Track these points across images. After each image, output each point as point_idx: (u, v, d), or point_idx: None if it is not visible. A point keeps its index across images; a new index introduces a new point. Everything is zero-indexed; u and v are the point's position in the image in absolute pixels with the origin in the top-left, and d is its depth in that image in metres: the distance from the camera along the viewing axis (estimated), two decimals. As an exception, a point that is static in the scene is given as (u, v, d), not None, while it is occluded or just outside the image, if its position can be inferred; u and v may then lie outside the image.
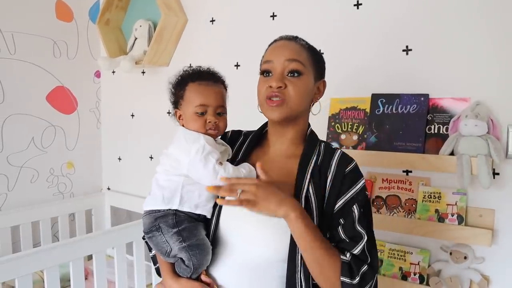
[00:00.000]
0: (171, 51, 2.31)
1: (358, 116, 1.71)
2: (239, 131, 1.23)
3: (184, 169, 1.05)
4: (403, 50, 1.62)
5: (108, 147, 2.76)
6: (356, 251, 0.99)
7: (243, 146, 1.17)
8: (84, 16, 2.61)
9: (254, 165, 1.08)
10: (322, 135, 1.74)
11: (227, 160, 1.11)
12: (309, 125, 1.15)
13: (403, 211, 1.60)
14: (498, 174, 1.45)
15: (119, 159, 2.68)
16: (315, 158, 1.08)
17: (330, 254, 0.97)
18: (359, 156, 1.64)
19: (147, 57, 2.21)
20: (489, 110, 1.44)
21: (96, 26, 2.43)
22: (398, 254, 1.62)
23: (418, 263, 1.58)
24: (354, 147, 1.68)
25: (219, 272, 1.07)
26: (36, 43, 2.39)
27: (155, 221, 1.05)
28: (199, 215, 1.07)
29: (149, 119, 2.50)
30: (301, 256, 0.99)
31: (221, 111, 1.11)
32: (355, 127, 1.71)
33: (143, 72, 2.48)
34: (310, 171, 1.05)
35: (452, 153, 1.46)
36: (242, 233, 1.05)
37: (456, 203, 1.50)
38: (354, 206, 1.02)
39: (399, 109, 1.61)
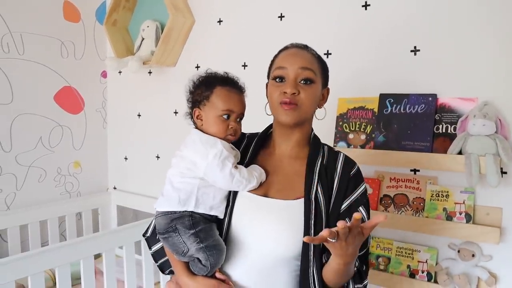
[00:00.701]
0: (178, 51, 2.32)
1: (366, 116, 1.73)
2: (243, 134, 1.25)
3: (201, 172, 1.08)
4: (411, 51, 1.64)
5: (114, 146, 2.77)
6: (362, 252, 1.09)
7: (248, 148, 1.21)
8: (91, 17, 2.63)
9: (262, 167, 1.14)
10: (330, 134, 1.77)
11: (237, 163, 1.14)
12: (312, 129, 1.20)
13: (411, 210, 1.62)
14: (505, 173, 1.47)
15: (126, 158, 2.70)
16: (320, 159, 1.13)
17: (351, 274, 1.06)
18: (367, 155, 1.67)
19: (154, 57, 2.23)
20: (497, 110, 1.46)
21: (103, 26, 2.45)
22: (406, 252, 1.64)
23: (426, 261, 1.60)
24: (362, 146, 1.70)
25: (233, 269, 1.10)
26: (44, 44, 2.40)
27: (171, 222, 1.08)
28: (211, 215, 1.10)
29: (155, 119, 2.51)
30: (314, 252, 1.04)
31: (240, 119, 1.15)
32: (363, 126, 1.73)
33: (150, 72, 2.50)
34: (317, 172, 1.11)
35: (460, 153, 1.48)
36: (254, 231, 1.09)
37: (464, 202, 1.52)
38: (360, 208, 1.09)
39: (407, 109, 1.63)
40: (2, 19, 2.21)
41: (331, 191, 1.10)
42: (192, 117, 1.18)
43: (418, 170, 1.64)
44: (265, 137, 1.24)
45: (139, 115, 2.60)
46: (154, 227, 1.25)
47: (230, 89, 1.13)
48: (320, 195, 1.09)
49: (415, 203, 1.62)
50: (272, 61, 1.18)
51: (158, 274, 2.12)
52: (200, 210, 1.08)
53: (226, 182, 1.07)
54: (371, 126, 1.70)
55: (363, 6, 1.74)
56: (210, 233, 1.07)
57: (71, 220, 2.53)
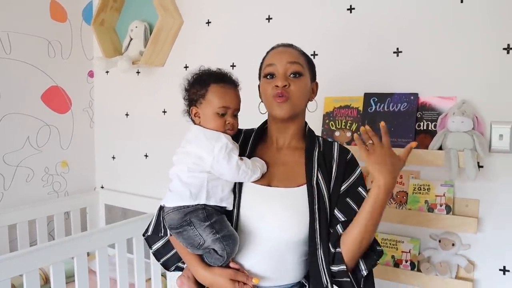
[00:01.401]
0: (167, 51, 2.36)
1: (351, 114, 1.81)
2: (239, 130, 1.30)
3: (207, 166, 1.12)
4: (394, 52, 1.73)
5: (101, 146, 2.79)
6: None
7: (246, 143, 1.27)
8: (77, 17, 2.64)
9: (262, 159, 1.21)
10: (317, 132, 1.82)
11: None
12: (306, 122, 1.28)
13: (395, 203, 1.71)
14: (482, 167, 1.57)
15: (113, 157, 2.72)
16: (317, 149, 1.21)
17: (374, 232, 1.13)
18: (353, 152, 1.73)
19: (143, 57, 2.26)
20: (474, 108, 1.56)
21: (91, 26, 2.46)
22: (390, 243, 1.72)
23: (409, 251, 1.69)
24: (348, 143, 1.78)
25: (244, 258, 1.15)
26: (31, 43, 2.41)
27: (185, 216, 1.11)
28: (221, 207, 1.15)
29: (144, 118, 2.54)
30: (320, 235, 1.12)
31: (236, 113, 1.20)
32: (348, 124, 1.81)
33: (138, 72, 2.53)
34: (316, 160, 1.18)
35: (440, 148, 1.57)
36: (262, 220, 1.14)
37: (444, 194, 1.62)
38: (360, 188, 1.19)
39: (391, 107, 1.71)
40: (-11, 19, 2.21)
41: (330, 176, 1.18)
42: (189, 115, 1.22)
43: (401, 165, 1.72)
44: (262, 132, 1.30)
45: (127, 115, 2.63)
46: (155, 226, 1.30)
47: (225, 85, 1.17)
48: (321, 180, 1.16)
49: (398, 196, 1.71)
50: (262, 62, 1.25)
51: (149, 271, 2.16)
52: (212, 203, 1.12)
53: (232, 173, 1.12)
54: (356, 124, 1.78)
55: (348, 9, 1.82)
56: (224, 224, 1.11)
57: (59, 219, 2.53)
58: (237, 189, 1.18)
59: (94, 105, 2.79)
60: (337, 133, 1.82)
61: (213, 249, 1.11)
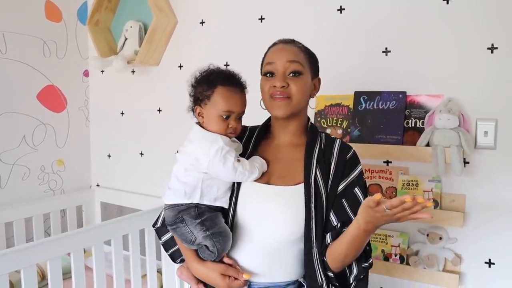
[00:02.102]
0: (161, 51, 2.40)
1: (342, 112, 1.85)
2: (245, 127, 1.32)
3: (204, 167, 1.14)
4: (383, 52, 1.77)
5: (97, 144, 2.82)
6: None
7: (250, 140, 1.28)
8: (72, 17, 2.66)
9: (263, 157, 1.22)
10: (309, 130, 1.89)
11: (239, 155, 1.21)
12: (308, 118, 1.28)
13: (384, 198, 1.75)
14: (468, 163, 1.62)
15: (109, 156, 2.75)
16: (318, 146, 1.20)
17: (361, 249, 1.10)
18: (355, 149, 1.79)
19: (138, 57, 2.29)
20: (460, 105, 1.61)
21: (86, 26, 2.49)
22: (380, 238, 1.77)
23: (399, 245, 1.73)
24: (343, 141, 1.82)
25: (240, 254, 1.18)
26: (27, 43, 2.43)
27: (179, 213, 1.15)
28: (217, 206, 1.18)
29: (139, 116, 2.58)
30: (315, 233, 1.12)
31: (240, 117, 1.21)
32: (339, 122, 1.85)
33: (133, 71, 2.56)
34: (315, 157, 1.18)
35: (427, 145, 1.62)
36: (258, 217, 1.16)
37: (431, 190, 1.66)
38: (356, 189, 1.17)
39: (380, 105, 1.76)
40: (-15, 19, 2.24)
41: (329, 175, 1.17)
42: (194, 113, 1.23)
43: (391, 162, 1.77)
44: (265, 129, 1.31)
45: (122, 113, 2.66)
46: (164, 218, 1.32)
47: (231, 88, 1.17)
48: (319, 179, 1.16)
49: (388, 192, 1.75)
50: (263, 58, 1.25)
51: (144, 267, 2.20)
52: (205, 202, 1.15)
53: (229, 175, 1.14)
54: (347, 122, 1.83)
55: (338, 10, 1.86)
56: (215, 221, 1.14)
57: (55, 217, 2.56)
58: (235, 186, 1.20)
59: (90, 104, 2.82)
60: (328, 131, 1.86)
61: (205, 245, 1.14)
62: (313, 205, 1.13)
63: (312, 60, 1.24)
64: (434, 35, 1.67)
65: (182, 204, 1.16)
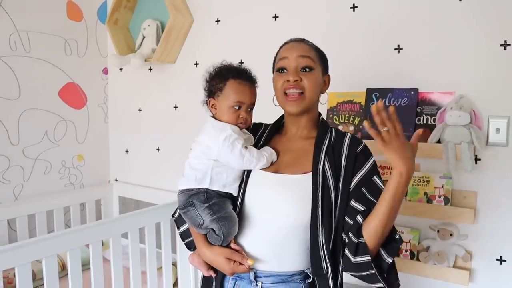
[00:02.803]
0: (178, 49, 2.45)
1: (354, 109, 1.87)
2: (260, 123, 1.40)
3: (214, 154, 1.21)
4: (395, 49, 1.79)
5: (115, 140, 2.89)
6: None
7: (263, 135, 1.34)
8: (93, 16, 2.74)
9: (274, 148, 1.27)
10: (321, 126, 1.91)
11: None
12: (319, 113, 1.33)
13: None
14: (479, 159, 1.63)
15: (127, 151, 2.82)
16: (328, 139, 1.25)
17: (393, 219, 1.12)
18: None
19: (155, 55, 2.35)
20: (472, 102, 1.61)
21: (105, 25, 2.57)
22: (391, 234, 1.78)
23: (409, 241, 1.75)
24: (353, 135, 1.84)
25: (246, 241, 1.22)
26: (49, 42, 2.52)
27: (189, 198, 1.22)
28: (226, 193, 1.24)
29: (156, 113, 2.64)
30: (322, 221, 1.15)
31: (251, 108, 1.27)
32: (351, 118, 1.87)
33: (150, 69, 2.62)
34: (325, 149, 1.22)
35: (439, 141, 1.63)
36: (266, 205, 1.21)
37: (442, 186, 1.67)
38: (375, 177, 1.20)
39: (392, 102, 1.77)
40: (10, 19, 2.32)
41: (339, 168, 1.20)
42: (208, 106, 1.31)
43: (402, 158, 1.78)
44: (278, 125, 1.37)
45: (140, 110, 2.72)
46: None
47: (242, 81, 1.24)
48: (328, 169, 1.19)
49: (399, 188, 1.76)
50: (275, 56, 1.31)
51: (160, 260, 2.25)
52: (214, 188, 1.22)
53: (237, 161, 1.21)
54: (359, 118, 1.85)
55: (351, 7, 1.88)
56: (223, 206, 1.20)
57: (75, 210, 2.65)
58: (245, 175, 1.26)
59: (109, 100, 2.89)
60: (340, 127, 1.88)
61: (212, 229, 1.20)
62: (320, 193, 1.16)
63: (322, 57, 1.29)
64: (446, 32, 1.67)
65: (192, 189, 1.23)
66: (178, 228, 1.41)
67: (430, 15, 1.70)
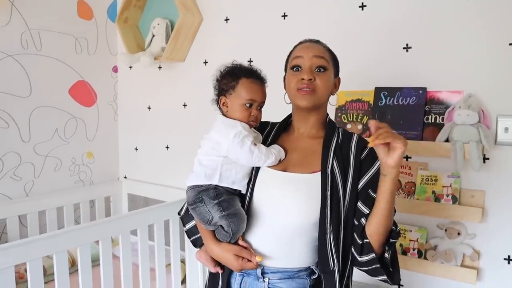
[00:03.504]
0: (187, 47, 2.47)
1: (362, 108, 1.88)
2: (267, 122, 1.41)
3: (224, 150, 1.23)
4: (404, 48, 1.79)
5: (125, 138, 2.92)
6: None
7: (271, 134, 1.36)
8: (102, 15, 2.77)
9: (282, 146, 1.29)
10: (329, 125, 1.92)
11: None
12: (327, 114, 1.35)
13: (403, 193, 1.77)
14: (488, 159, 1.63)
15: (136, 149, 2.85)
16: (336, 139, 1.26)
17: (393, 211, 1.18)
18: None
19: (165, 53, 2.37)
20: (480, 101, 1.61)
21: (115, 24, 2.59)
22: (398, 232, 1.79)
23: (417, 239, 1.75)
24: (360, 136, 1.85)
25: (255, 238, 1.24)
26: (60, 40, 2.55)
27: (198, 194, 1.24)
28: (235, 190, 1.25)
29: (165, 111, 2.66)
30: (330, 219, 1.17)
31: (261, 106, 1.30)
32: (360, 117, 1.88)
33: (160, 67, 2.65)
34: (333, 148, 1.24)
35: (447, 140, 1.63)
36: (274, 202, 1.22)
37: (450, 185, 1.67)
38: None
39: (400, 101, 1.77)
40: (22, 18, 2.35)
41: (347, 168, 1.22)
42: (218, 104, 1.32)
43: (410, 157, 1.79)
44: (286, 124, 1.39)
45: (149, 108, 2.75)
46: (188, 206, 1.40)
47: (254, 80, 1.27)
48: (336, 169, 1.21)
49: (407, 187, 1.77)
50: (289, 55, 1.33)
51: (168, 257, 2.27)
52: (224, 184, 1.23)
53: (247, 158, 1.22)
54: (367, 117, 1.85)
55: (360, 6, 1.89)
56: (232, 203, 1.21)
57: (85, 207, 2.68)
58: (253, 173, 1.27)
59: (118, 98, 2.92)
60: (348, 126, 1.89)
61: (221, 226, 1.21)
62: (329, 192, 1.18)
63: (334, 60, 1.31)
64: (455, 31, 1.67)
65: (202, 185, 1.24)
66: (184, 226, 1.43)
67: (438, 15, 1.70)
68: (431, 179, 1.71)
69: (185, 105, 2.55)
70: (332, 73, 1.27)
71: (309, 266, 1.22)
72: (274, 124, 1.41)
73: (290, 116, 1.39)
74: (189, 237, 1.42)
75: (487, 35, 1.61)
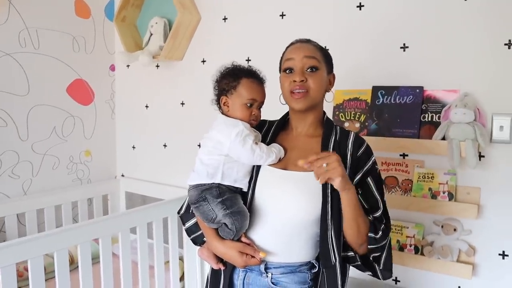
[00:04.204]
0: (185, 46, 2.48)
1: (360, 106, 1.90)
2: (264, 120, 1.42)
3: (225, 149, 1.25)
4: (401, 47, 1.81)
5: (122, 136, 2.93)
6: (376, 214, 1.25)
7: (269, 132, 1.38)
8: (100, 13, 2.77)
9: (281, 145, 1.30)
10: (327, 123, 1.94)
11: None
12: (324, 112, 1.36)
13: (400, 190, 1.80)
14: (483, 156, 1.66)
15: (133, 147, 2.86)
16: (333, 137, 1.29)
17: (365, 218, 1.23)
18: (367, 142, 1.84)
19: (163, 52, 2.38)
20: (476, 100, 1.64)
21: (113, 22, 2.60)
22: (395, 229, 1.82)
23: (414, 236, 1.78)
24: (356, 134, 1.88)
25: (257, 235, 1.26)
26: (58, 39, 2.55)
27: (202, 193, 1.25)
28: (237, 188, 1.27)
29: (163, 109, 2.67)
30: (331, 216, 1.20)
31: (260, 106, 1.32)
32: (357, 115, 1.90)
33: (158, 66, 2.65)
34: (331, 146, 1.26)
35: (443, 138, 1.66)
36: (275, 200, 1.24)
37: (447, 182, 1.71)
38: (369, 178, 1.26)
39: (397, 99, 1.80)
40: (20, 16, 2.35)
41: (345, 165, 1.22)
42: (218, 104, 1.34)
43: (407, 155, 1.81)
44: (284, 122, 1.41)
45: (146, 106, 2.76)
46: (188, 205, 1.42)
47: (254, 80, 1.30)
48: None
49: (403, 184, 1.80)
50: (282, 56, 1.34)
51: (167, 254, 2.29)
52: (226, 182, 1.25)
53: (248, 156, 1.24)
54: (364, 115, 1.88)
55: (357, 6, 1.91)
56: (235, 201, 1.23)
57: (83, 205, 2.69)
58: (254, 171, 1.29)
59: (116, 97, 2.93)
60: (346, 124, 1.92)
61: (224, 223, 1.23)
62: (329, 190, 1.20)
63: (326, 57, 1.32)
64: (452, 31, 1.70)
65: (205, 184, 1.26)
66: (184, 224, 1.44)
67: (435, 14, 1.73)
68: (427, 176, 1.74)
69: (182, 104, 2.56)
70: (324, 72, 1.28)
71: (310, 261, 1.25)
72: (271, 122, 1.42)
73: (287, 114, 1.41)
74: (189, 236, 1.44)
75: (483, 35, 1.64)
